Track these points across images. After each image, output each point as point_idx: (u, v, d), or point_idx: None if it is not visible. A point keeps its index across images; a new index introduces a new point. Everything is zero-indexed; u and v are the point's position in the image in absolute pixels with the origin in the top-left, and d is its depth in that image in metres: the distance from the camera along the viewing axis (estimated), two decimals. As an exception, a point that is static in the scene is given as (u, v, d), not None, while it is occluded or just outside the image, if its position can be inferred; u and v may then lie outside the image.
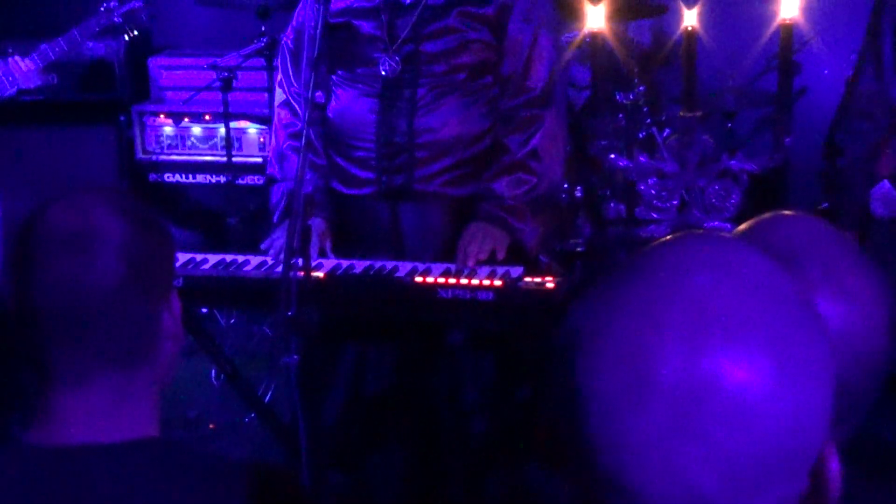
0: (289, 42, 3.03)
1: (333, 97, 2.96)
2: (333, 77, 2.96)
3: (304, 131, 2.56)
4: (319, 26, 2.84)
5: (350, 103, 2.89)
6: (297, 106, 2.99)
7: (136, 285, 1.38)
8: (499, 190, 2.84)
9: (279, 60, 3.09)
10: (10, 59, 3.81)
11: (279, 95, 3.06)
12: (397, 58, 2.83)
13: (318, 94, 2.94)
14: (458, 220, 2.88)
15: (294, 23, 3.02)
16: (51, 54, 3.90)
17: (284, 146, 3.00)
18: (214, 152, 4.63)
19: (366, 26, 2.84)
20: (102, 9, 4.08)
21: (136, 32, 4.29)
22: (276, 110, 3.07)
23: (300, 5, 3.02)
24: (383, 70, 2.84)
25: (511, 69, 2.87)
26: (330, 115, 2.97)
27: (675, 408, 0.83)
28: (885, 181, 3.04)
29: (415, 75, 2.84)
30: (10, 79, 3.82)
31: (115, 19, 4.09)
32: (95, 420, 1.38)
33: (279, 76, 3.07)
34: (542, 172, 2.87)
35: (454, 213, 2.90)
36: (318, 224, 2.87)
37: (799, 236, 1.22)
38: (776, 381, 0.84)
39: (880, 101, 3.05)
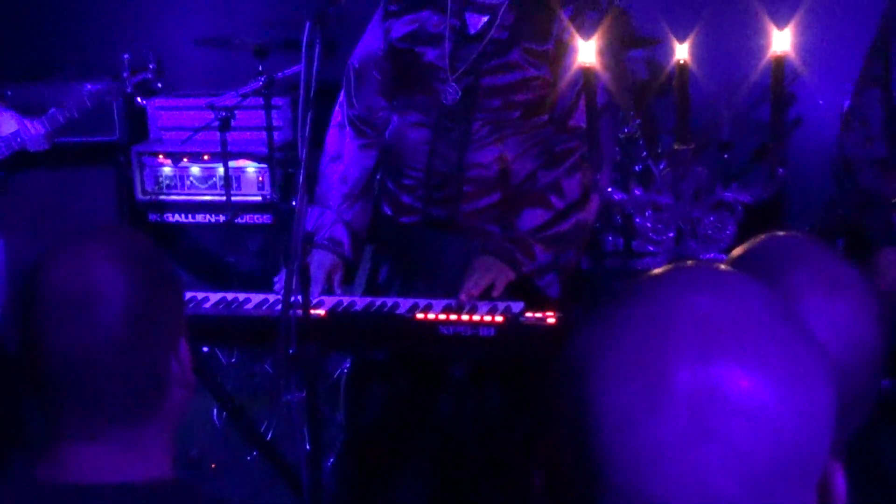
0: (355, 63, 2.99)
1: (391, 122, 2.94)
2: (393, 102, 2.94)
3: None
4: (379, 52, 2.87)
5: (405, 130, 2.86)
6: (350, 129, 2.97)
7: (141, 341, 1.37)
8: (512, 222, 2.81)
9: (343, 82, 3.03)
10: (23, 121, 3.81)
11: (336, 116, 3.01)
12: (456, 88, 2.80)
13: (382, 114, 2.94)
14: None
15: (361, 45, 3.00)
16: (60, 119, 3.91)
17: (325, 168, 2.98)
18: (213, 192, 4.65)
19: (429, 54, 2.81)
20: (112, 79, 4.10)
21: (142, 99, 4.32)
22: (330, 131, 3.03)
23: (368, 28, 2.99)
24: (441, 100, 2.80)
25: (564, 107, 2.84)
26: (387, 139, 2.95)
27: (691, 411, 0.85)
28: None
29: (471, 108, 2.80)
30: (19, 140, 3.83)
31: (127, 89, 4.11)
32: (106, 464, 1.37)
33: (341, 97, 3.01)
34: (564, 210, 2.82)
35: None
36: (325, 259, 2.85)
37: (787, 249, 1.32)
38: (783, 387, 0.86)
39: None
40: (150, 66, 4.12)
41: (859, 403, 1.28)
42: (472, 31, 2.82)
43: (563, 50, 2.80)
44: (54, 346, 1.34)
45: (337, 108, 3.01)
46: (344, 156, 2.98)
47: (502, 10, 2.80)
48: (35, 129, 3.82)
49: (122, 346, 1.35)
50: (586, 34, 2.80)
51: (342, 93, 3.01)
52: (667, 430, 0.85)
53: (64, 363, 1.34)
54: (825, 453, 0.90)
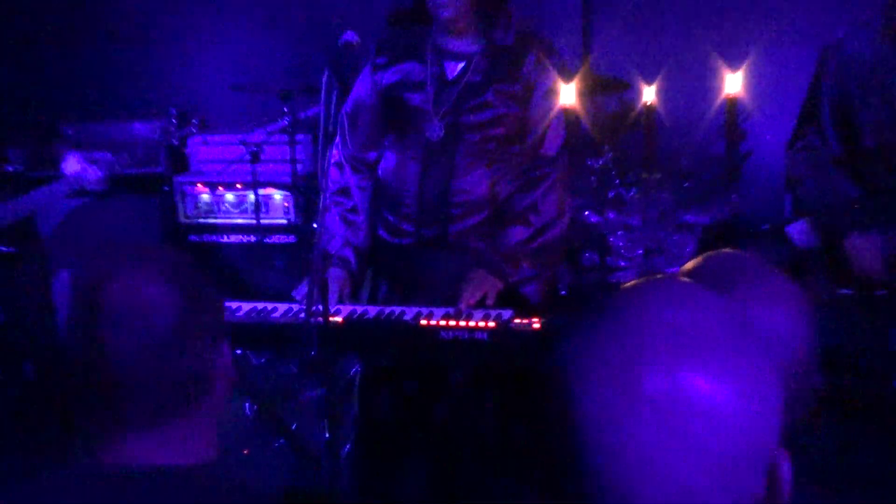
0: (348, 110, 2.99)
1: (384, 158, 2.94)
2: (384, 141, 2.94)
3: (322, 197, 2.52)
4: (369, 99, 2.86)
5: (397, 164, 2.86)
6: (347, 167, 2.97)
7: (188, 344, 1.38)
8: (498, 240, 2.82)
9: (339, 127, 3.03)
10: (86, 166, 3.80)
11: (334, 156, 3.00)
12: (440, 126, 2.80)
13: (371, 154, 2.95)
14: None
15: (353, 94, 2.99)
16: (116, 167, 3.91)
17: (328, 201, 2.96)
18: (245, 216, 4.64)
19: (414, 98, 2.81)
20: (162, 128, 4.11)
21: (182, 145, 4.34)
22: (329, 169, 2.97)
23: (359, 79, 2.99)
24: (427, 137, 2.81)
25: (534, 138, 2.84)
26: (380, 173, 2.94)
27: (660, 412, 0.84)
28: (803, 220, 3.09)
29: (454, 143, 2.80)
30: (80, 181, 3.81)
31: (173, 141, 4.12)
32: (159, 450, 1.38)
33: (337, 139, 3.02)
34: (542, 226, 2.82)
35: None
36: (337, 274, 2.84)
37: (734, 264, 1.34)
38: (738, 389, 0.86)
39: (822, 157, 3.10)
40: (194, 122, 4.14)
41: (800, 398, 1.28)
42: (451, 77, 2.83)
43: (530, 90, 2.82)
44: (115, 351, 1.34)
45: (334, 149, 3.00)
46: (346, 189, 2.99)
47: (476, 57, 2.81)
48: (94, 173, 3.81)
49: (171, 350, 1.36)
50: (549, 77, 2.85)
51: (338, 136, 3.01)
52: (639, 428, 0.84)
53: (123, 365, 1.34)
54: (774, 444, 0.90)
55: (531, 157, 2.85)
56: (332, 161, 2.99)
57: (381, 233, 2.93)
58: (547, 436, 0.90)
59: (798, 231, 3.18)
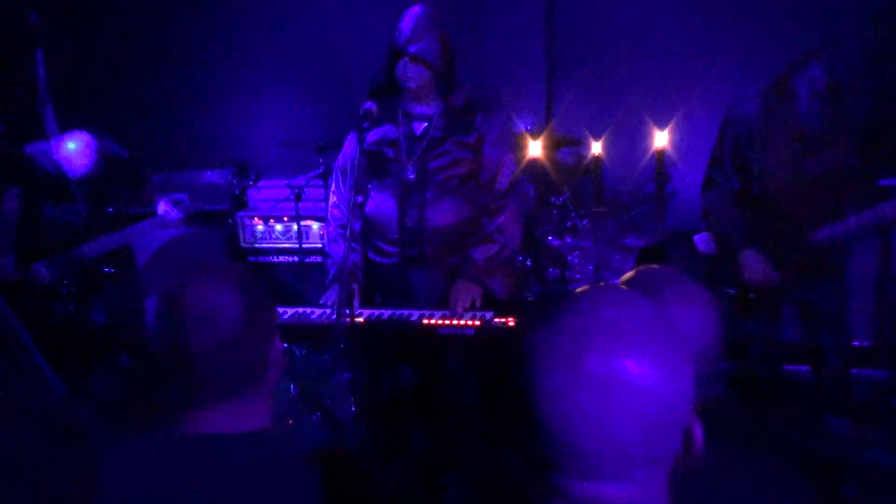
0: (339, 165, 2.97)
1: (370, 199, 2.90)
2: (369, 185, 2.90)
3: (348, 229, 2.51)
4: (357, 156, 2.82)
5: (380, 203, 2.82)
6: (343, 208, 2.93)
7: (249, 339, 1.36)
8: (475, 256, 2.77)
9: (332, 178, 3.02)
10: (169, 209, 3.78)
11: (332, 200, 2.99)
12: (412, 170, 2.77)
13: (359, 197, 2.90)
14: (451, 278, 2.81)
15: (342, 151, 2.97)
16: (191, 210, 3.91)
17: (335, 234, 2.94)
18: (290, 241, 4.59)
19: (390, 152, 2.78)
20: (227, 182, 4.12)
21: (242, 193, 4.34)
22: (330, 210, 2.99)
23: (346, 142, 2.96)
24: (403, 180, 2.78)
25: (486, 177, 2.80)
26: (367, 211, 2.90)
27: (600, 386, 0.85)
28: (705, 232, 3.11)
29: (424, 183, 2.77)
30: (163, 221, 3.80)
31: (235, 192, 4.11)
32: (229, 418, 1.37)
33: (332, 187, 3.00)
34: (504, 243, 2.79)
35: (449, 273, 2.83)
36: (353, 286, 2.79)
37: (660, 276, 1.32)
38: (661, 369, 0.87)
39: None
40: (251, 177, 4.16)
41: (710, 378, 1.27)
42: (418, 134, 2.80)
43: (481, 139, 2.79)
44: (193, 344, 1.33)
45: (331, 194, 3.00)
46: (347, 225, 2.95)
47: (435, 118, 2.79)
48: (176, 214, 3.81)
49: (236, 343, 1.35)
50: (497, 127, 2.81)
51: (332, 185, 2.99)
52: (585, 399, 0.86)
53: (199, 355, 1.34)
54: (689, 411, 0.90)
55: (488, 190, 2.80)
56: (331, 205, 2.97)
57: (371, 255, 2.89)
58: (518, 405, 0.90)
59: (701, 240, 3.21)
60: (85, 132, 3.58)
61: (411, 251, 2.81)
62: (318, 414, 3.54)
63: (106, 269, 3.66)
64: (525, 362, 0.89)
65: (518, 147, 3.45)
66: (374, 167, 2.85)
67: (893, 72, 2.88)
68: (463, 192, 2.80)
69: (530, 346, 0.90)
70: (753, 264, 2.98)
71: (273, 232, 4.60)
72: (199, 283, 1.37)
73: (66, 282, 3.50)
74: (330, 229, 2.99)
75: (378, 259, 2.89)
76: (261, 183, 4.72)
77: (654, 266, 1.36)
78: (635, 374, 0.85)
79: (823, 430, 3.08)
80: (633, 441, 0.85)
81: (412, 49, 2.70)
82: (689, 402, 0.89)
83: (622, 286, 1.00)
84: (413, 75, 2.72)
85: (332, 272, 2.91)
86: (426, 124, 2.80)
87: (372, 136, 2.85)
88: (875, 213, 2.75)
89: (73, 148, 3.53)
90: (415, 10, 2.74)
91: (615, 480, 0.86)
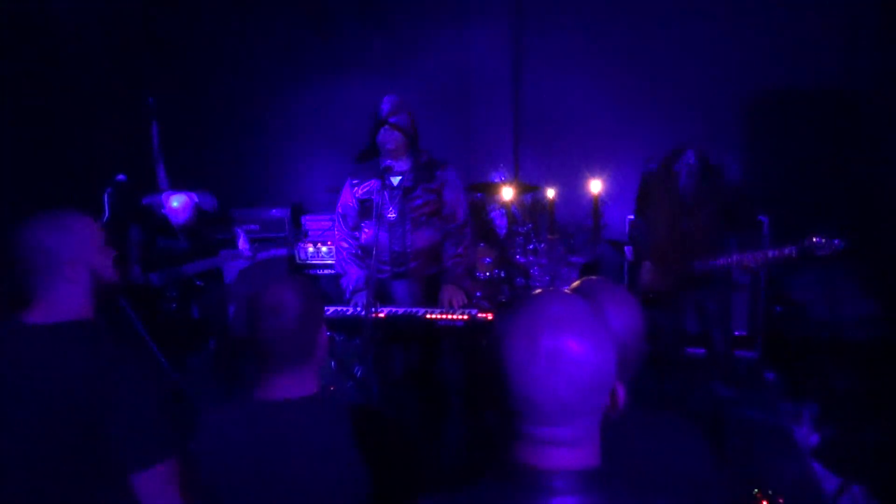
0: (339, 211, 2.94)
1: (363, 233, 2.88)
2: (363, 224, 2.88)
3: (373, 251, 2.48)
4: (356, 205, 2.81)
5: (373, 235, 2.76)
6: (350, 241, 2.92)
7: (305, 327, 1.35)
8: (451, 267, 2.79)
9: (334, 222, 2.98)
10: (244, 248, 3.72)
11: (337, 236, 2.95)
12: (394, 210, 2.76)
13: (357, 233, 2.90)
14: (430, 287, 2.81)
15: (341, 200, 2.94)
16: (258, 248, 3.89)
17: (348, 259, 2.92)
18: (332, 260, 4.52)
19: (377, 198, 2.74)
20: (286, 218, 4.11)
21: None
22: (338, 243, 2.96)
23: (342, 193, 2.89)
24: (388, 217, 2.77)
25: (448, 212, 2.81)
26: (363, 241, 2.89)
27: (548, 360, 0.84)
28: (647, 262, 3.09)
29: (404, 220, 2.75)
30: (242, 251, 3.77)
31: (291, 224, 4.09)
32: (290, 386, 1.35)
33: (336, 227, 2.96)
34: (468, 259, 2.82)
35: (428, 284, 2.83)
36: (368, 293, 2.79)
37: (596, 284, 1.28)
38: (593, 347, 0.85)
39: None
40: (304, 227, 4.15)
41: (633, 360, 1.24)
42: (396, 186, 2.79)
43: (442, 185, 2.79)
44: (264, 330, 1.32)
45: (336, 232, 2.96)
46: (354, 252, 2.94)
47: (407, 172, 2.79)
48: (243, 244, 3.77)
49: (297, 330, 1.33)
50: (451, 176, 2.81)
51: (336, 226, 2.96)
52: (538, 370, 0.85)
53: (271, 340, 1.31)
54: (614, 378, 0.88)
55: (451, 221, 2.80)
56: (338, 239, 2.94)
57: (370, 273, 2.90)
58: (492, 373, 0.88)
59: (629, 252, 3.26)
60: (185, 192, 3.60)
61: (398, 269, 2.80)
62: (350, 383, 3.54)
63: (198, 283, 3.65)
64: (497, 343, 0.88)
65: (465, 190, 3.45)
66: (365, 211, 2.85)
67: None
68: (432, 223, 2.79)
69: (500, 331, 0.89)
70: (646, 274, 3.01)
71: (320, 252, 4.56)
72: (271, 287, 1.36)
73: (170, 289, 3.52)
74: (342, 256, 2.96)
75: (375, 275, 2.84)
76: (313, 217, 4.73)
77: (593, 277, 1.35)
78: (575, 351, 0.85)
79: (713, 394, 3.09)
80: (574, 398, 0.84)
81: (392, 119, 2.73)
82: (613, 370, 0.88)
83: (567, 291, 0.98)
84: (392, 138, 2.74)
85: (349, 288, 2.89)
86: (401, 177, 2.77)
87: (361, 189, 2.84)
88: (740, 257, 2.82)
89: (176, 205, 3.56)
90: (391, 96, 2.79)
91: (563, 425, 0.85)
